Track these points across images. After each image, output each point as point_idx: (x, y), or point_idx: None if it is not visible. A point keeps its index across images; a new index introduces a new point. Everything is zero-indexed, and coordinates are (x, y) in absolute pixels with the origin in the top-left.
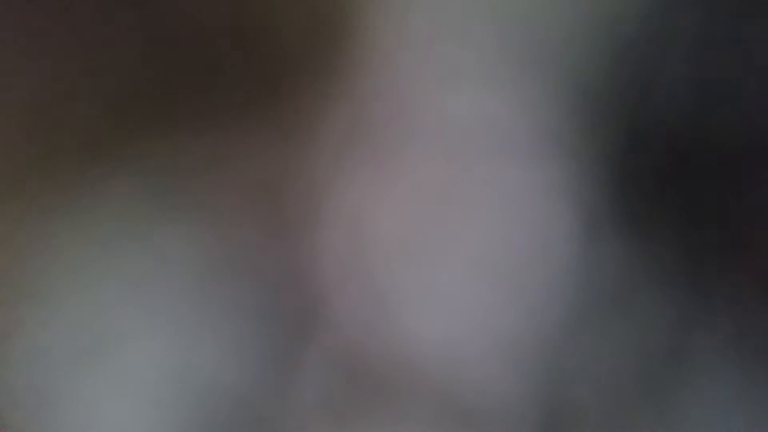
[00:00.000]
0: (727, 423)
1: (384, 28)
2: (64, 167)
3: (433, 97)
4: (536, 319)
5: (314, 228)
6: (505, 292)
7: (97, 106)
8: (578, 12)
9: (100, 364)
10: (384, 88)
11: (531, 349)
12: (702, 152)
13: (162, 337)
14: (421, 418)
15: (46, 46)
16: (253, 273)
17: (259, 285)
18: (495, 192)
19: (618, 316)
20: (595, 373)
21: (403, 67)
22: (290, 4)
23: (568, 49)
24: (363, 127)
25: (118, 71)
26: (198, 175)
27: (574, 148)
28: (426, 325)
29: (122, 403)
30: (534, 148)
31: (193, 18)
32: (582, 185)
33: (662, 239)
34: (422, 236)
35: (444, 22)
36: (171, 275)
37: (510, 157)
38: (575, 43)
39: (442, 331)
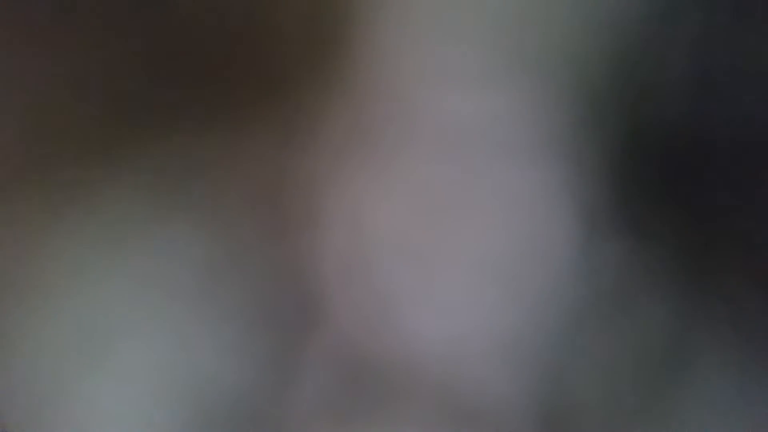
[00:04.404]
0: (727, 423)
1: (384, 28)
2: (65, 167)
3: (433, 97)
4: (536, 319)
5: (314, 228)
6: (505, 292)
7: (97, 106)
8: (578, 12)
9: (100, 363)
10: (384, 88)
11: (531, 349)
12: (702, 152)
13: (162, 336)
14: (421, 418)
15: (46, 46)
16: (253, 273)
17: (259, 285)
18: (495, 192)
19: (618, 316)
20: (595, 373)
21: (403, 67)
22: (290, 5)
23: (568, 49)
24: (363, 127)
25: (118, 71)
26: (198, 175)
27: (574, 148)
28: (426, 325)
29: (122, 403)
30: (534, 148)
31: (193, 18)
32: (582, 185)
33: (662, 239)
34: (422, 236)
35: (444, 22)
36: (171, 275)
37: (510, 157)
38: (575, 43)
39: (442, 331)
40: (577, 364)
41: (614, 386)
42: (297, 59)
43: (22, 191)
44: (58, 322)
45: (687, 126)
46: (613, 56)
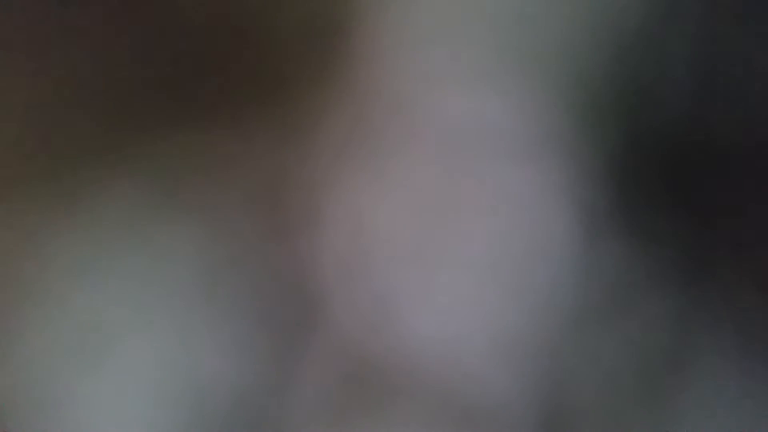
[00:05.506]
0: (727, 423)
1: (384, 28)
2: (65, 167)
3: (433, 97)
4: (536, 318)
5: (314, 228)
6: (505, 292)
7: (97, 106)
8: (578, 12)
9: (100, 363)
10: (384, 88)
11: (531, 349)
12: (702, 152)
13: (162, 336)
14: (421, 418)
15: (46, 46)
16: (253, 273)
17: (259, 285)
18: (495, 192)
19: (618, 316)
20: (595, 373)
21: (403, 67)
22: (290, 5)
23: (568, 49)
24: (363, 128)
25: (118, 71)
26: (198, 176)
27: (574, 148)
28: (426, 325)
29: (122, 403)
30: (534, 148)
31: (193, 18)
32: (582, 185)
33: (662, 239)
34: (422, 236)
35: (444, 22)
36: (171, 275)
37: (510, 157)
38: (575, 43)
39: (442, 331)
40: (577, 364)
41: (614, 386)
42: (297, 59)
43: (22, 191)
44: (58, 322)
45: (687, 126)
46: (613, 56)
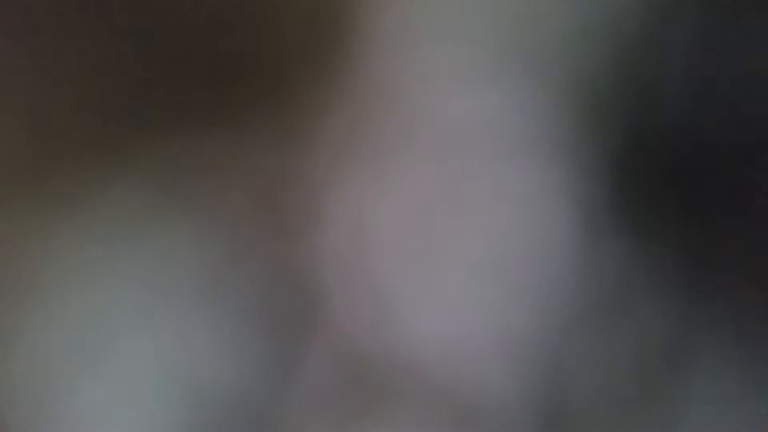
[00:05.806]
0: (727, 423)
1: (384, 27)
2: (65, 168)
3: (433, 97)
4: (536, 319)
5: (314, 228)
6: (505, 292)
7: (98, 106)
8: (578, 12)
9: (100, 364)
10: (384, 88)
11: (531, 349)
12: (702, 152)
13: (162, 337)
14: (421, 418)
15: (46, 46)
16: (253, 273)
17: (259, 285)
18: (495, 192)
19: (618, 316)
20: (595, 373)
21: (403, 67)
22: (291, 4)
23: (568, 49)
24: (363, 128)
25: (118, 72)
26: (198, 176)
27: (574, 148)
28: (426, 325)
29: (122, 403)
30: (534, 148)
31: (194, 18)
32: (582, 185)
33: (662, 239)
34: (422, 236)
35: (444, 22)
36: (171, 275)
37: (510, 157)
38: (575, 43)
39: (442, 331)
40: (577, 363)
41: (614, 386)
42: (297, 59)
43: (23, 191)
44: (58, 322)
45: (687, 126)
46: (613, 56)
